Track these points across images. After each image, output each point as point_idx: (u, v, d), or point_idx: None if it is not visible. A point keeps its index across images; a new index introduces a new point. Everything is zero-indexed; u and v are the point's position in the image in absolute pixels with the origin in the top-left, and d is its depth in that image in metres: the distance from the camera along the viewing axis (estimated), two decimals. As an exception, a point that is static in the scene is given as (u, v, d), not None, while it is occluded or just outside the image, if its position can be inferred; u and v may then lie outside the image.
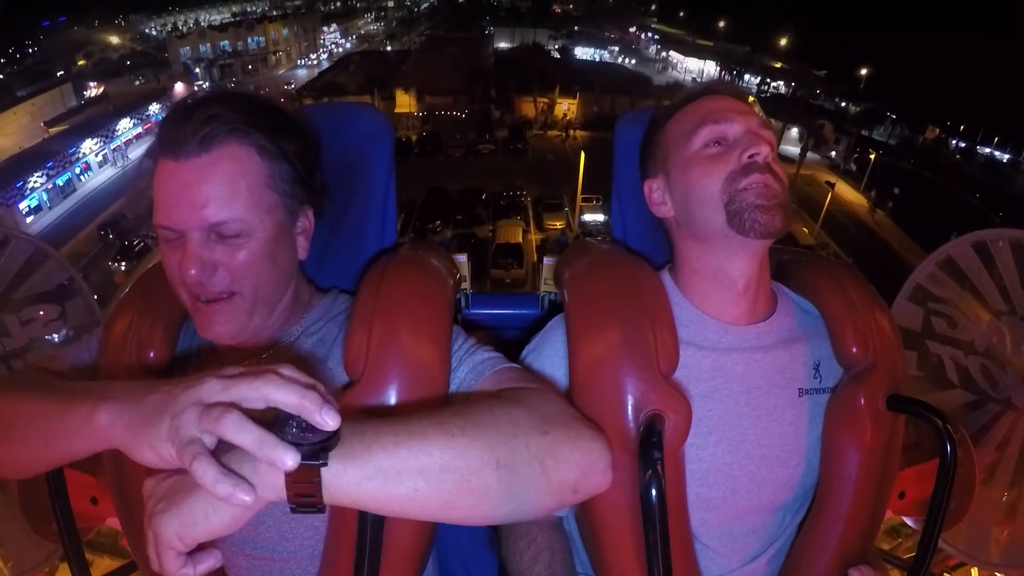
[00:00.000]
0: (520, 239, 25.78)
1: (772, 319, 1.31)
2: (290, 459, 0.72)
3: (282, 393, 0.74)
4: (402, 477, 0.81)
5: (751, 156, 1.19)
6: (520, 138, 41.34)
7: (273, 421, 0.75)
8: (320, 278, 1.39)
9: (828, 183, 32.05)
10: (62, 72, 43.10)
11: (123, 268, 24.25)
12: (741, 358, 1.26)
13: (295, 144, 1.16)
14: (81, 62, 45.42)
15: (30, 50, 44.31)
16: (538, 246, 26.52)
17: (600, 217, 27.18)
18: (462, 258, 1.67)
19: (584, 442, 0.99)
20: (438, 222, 27.68)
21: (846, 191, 34.41)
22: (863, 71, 43.53)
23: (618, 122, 1.55)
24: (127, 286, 1.34)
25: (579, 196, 28.50)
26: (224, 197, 1.06)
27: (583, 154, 29.98)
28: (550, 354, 1.32)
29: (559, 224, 28.01)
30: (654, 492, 1.05)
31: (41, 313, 1.74)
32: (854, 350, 1.25)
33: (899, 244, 29.45)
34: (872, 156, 34.10)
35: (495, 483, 0.87)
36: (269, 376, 0.75)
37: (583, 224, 27.76)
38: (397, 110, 44.80)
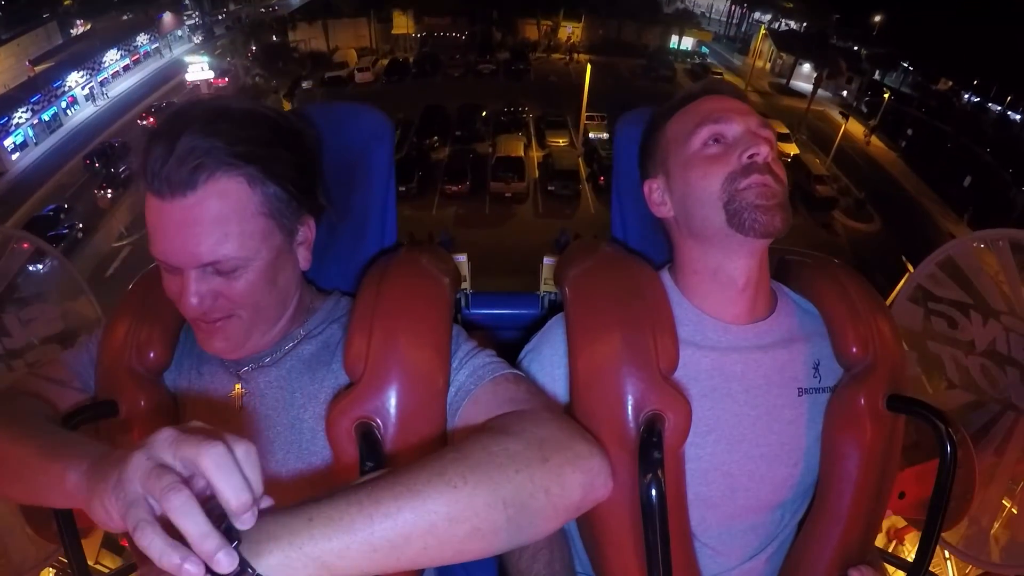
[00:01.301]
0: (521, 153, 25.74)
1: (772, 318, 1.31)
2: (226, 564, 0.65)
3: (217, 474, 0.67)
4: (411, 540, 0.77)
5: (751, 156, 1.18)
6: (523, 59, 40.97)
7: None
8: (320, 278, 1.38)
9: (842, 113, 32.01)
10: (48, 15, 42.24)
11: (109, 196, 24.04)
12: (740, 357, 1.26)
13: (288, 160, 1.12)
14: (67, 1, 44.52)
15: (17, -6, 43.43)
16: (540, 163, 26.56)
17: (605, 136, 27.05)
18: (462, 258, 1.67)
19: (584, 460, 0.97)
20: (435, 138, 27.71)
21: (857, 129, 34.18)
22: (876, 17, 42.69)
23: (618, 122, 1.54)
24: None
25: (583, 112, 28.40)
26: (216, 237, 1.03)
27: (588, 67, 29.84)
28: (549, 354, 1.32)
29: (562, 141, 27.99)
30: (654, 492, 1.06)
31: (42, 313, 1.74)
32: (854, 350, 1.25)
33: (912, 185, 29.36)
34: (886, 95, 33.83)
35: (504, 523, 0.84)
36: (217, 448, 0.68)
37: (588, 142, 27.69)
38: (394, 31, 44.39)
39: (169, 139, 1.00)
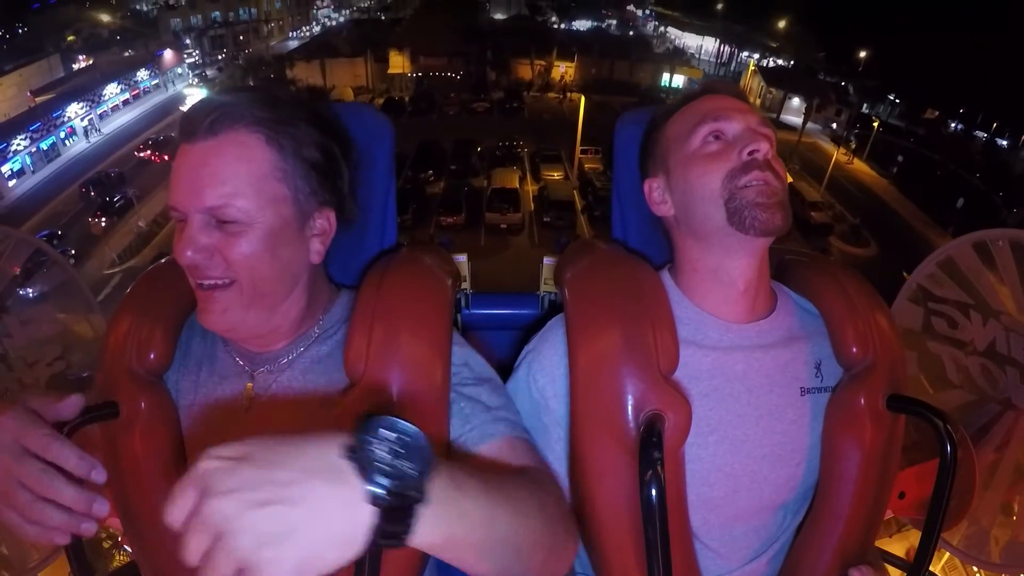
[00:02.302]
0: (516, 184, 25.95)
1: (772, 317, 1.31)
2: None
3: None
4: (495, 523, 0.83)
5: (751, 153, 1.19)
6: (517, 97, 41.50)
7: (362, 427, 0.68)
8: None
9: (834, 140, 33.30)
10: (52, 50, 42.54)
11: (103, 224, 24.32)
12: (742, 357, 1.26)
13: (318, 143, 1.14)
14: (71, 38, 44.81)
15: (20, 31, 43.62)
16: (535, 196, 26.72)
17: (599, 167, 27.48)
18: (462, 258, 1.66)
19: (570, 548, 1.07)
20: (430, 172, 27.75)
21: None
22: (862, 53, 43.26)
23: (617, 122, 1.54)
24: (129, 285, 1.33)
25: (578, 146, 28.70)
26: (222, 182, 1.04)
27: (583, 98, 30.27)
28: (550, 354, 1.31)
29: (557, 175, 28.19)
30: (654, 492, 1.05)
31: (42, 313, 1.73)
32: (854, 350, 1.25)
33: (906, 211, 29.75)
34: (875, 124, 34.61)
35: (511, 552, 0.89)
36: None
37: (583, 175, 27.90)
38: (391, 71, 44.70)
39: (213, 96, 1.08)
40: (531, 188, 27.63)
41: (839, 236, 25.52)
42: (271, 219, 1.09)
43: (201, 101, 1.08)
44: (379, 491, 0.66)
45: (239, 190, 1.05)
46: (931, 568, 1.27)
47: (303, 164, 1.12)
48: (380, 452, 0.67)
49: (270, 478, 0.66)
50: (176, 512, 0.65)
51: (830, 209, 26.99)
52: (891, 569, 1.44)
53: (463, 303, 1.78)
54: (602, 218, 22.96)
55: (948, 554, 1.85)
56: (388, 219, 1.47)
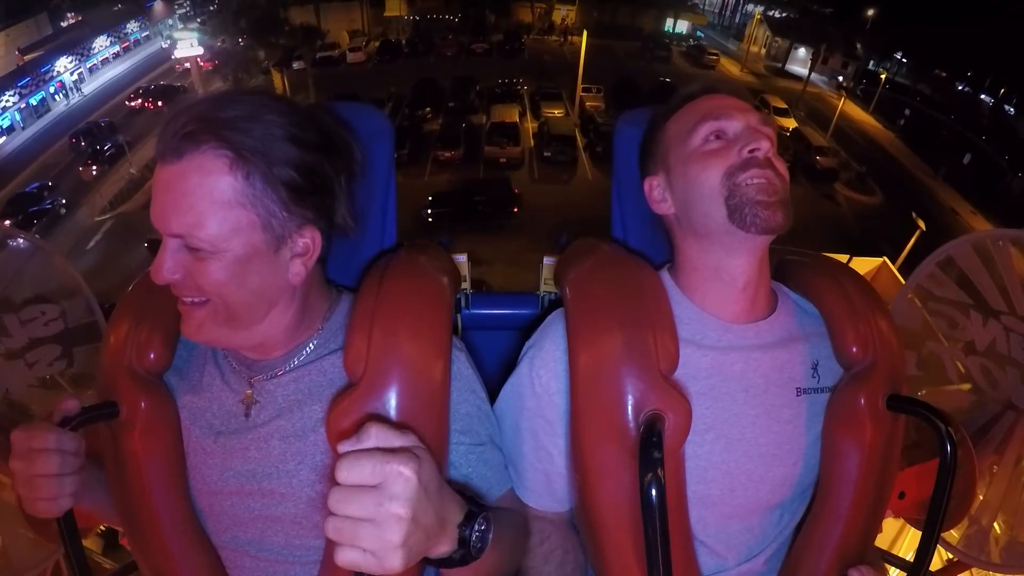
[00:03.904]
0: (516, 119, 25.95)
1: (772, 318, 1.31)
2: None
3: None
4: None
5: (751, 151, 1.19)
6: (516, 39, 41.17)
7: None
8: None
9: (844, 88, 33.45)
10: (39, 9, 41.72)
11: (94, 171, 24.51)
12: (740, 357, 1.26)
13: (300, 160, 1.08)
14: (58, -3, 44.08)
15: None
16: (535, 132, 26.73)
17: (601, 106, 27.81)
18: (462, 258, 1.66)
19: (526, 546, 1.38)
20: (428, 109, 27.76)
21: (854, 111, 34.92)
22: (870, 12, 42.56)
23: (617, 122, 1.54)
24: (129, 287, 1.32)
25: (580, 83, 28.79)
26: (185, 210, 1.02)
27: (585, 33, 30.36)
28: (551, 349, 1.31)
29: (558, 112, 28.14)
30: (654, 493, 1.05)
31: (41, 313, 1.72)
32: (854, 350, 1.25)
33: (911, 163, 29.77)
34: (883, 75, 34.71)
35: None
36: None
37: (584, 112, 28.03)
38: (387, 14, 44.46)
39: (187, 105, 1.04)
40: (531, 126, 27.62)
41: (845, 183, 25.50)
42: (237, 248, 1.06)
43: (179, 109, 1.03)
44: (458, 552, 0.96)
45: (201, 219, 1.02)
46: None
47: (276, 187, 1.06)
48: (471, 534, 0.96)
49: (425, 513, 0.85)
50: (351, 473, 0.81)
51: (835, 155, 26.88)
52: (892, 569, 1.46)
53: (463, 303, 1.79)
54: (604, 155, 23.07)
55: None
56: (388, 219, 1.46)
